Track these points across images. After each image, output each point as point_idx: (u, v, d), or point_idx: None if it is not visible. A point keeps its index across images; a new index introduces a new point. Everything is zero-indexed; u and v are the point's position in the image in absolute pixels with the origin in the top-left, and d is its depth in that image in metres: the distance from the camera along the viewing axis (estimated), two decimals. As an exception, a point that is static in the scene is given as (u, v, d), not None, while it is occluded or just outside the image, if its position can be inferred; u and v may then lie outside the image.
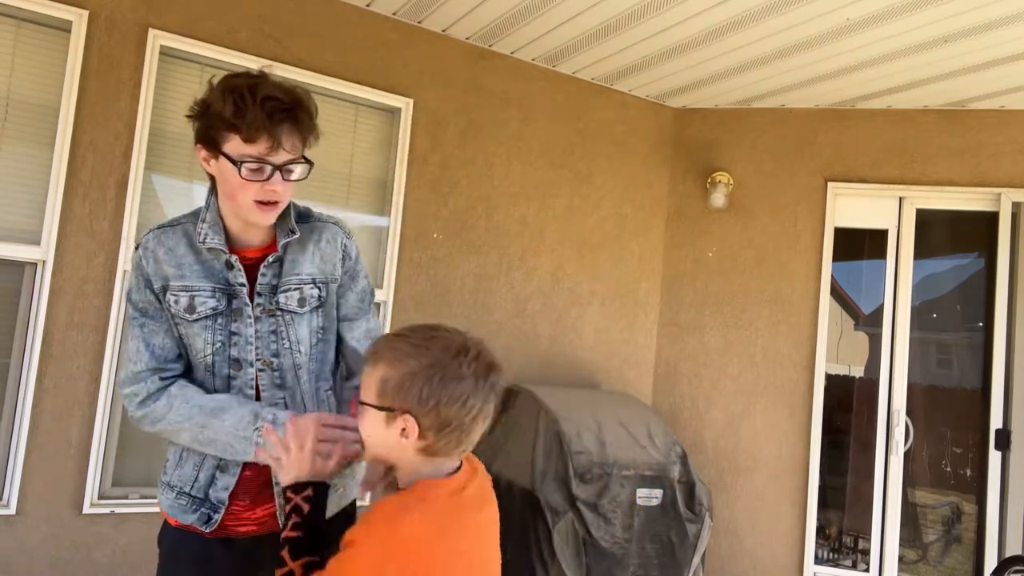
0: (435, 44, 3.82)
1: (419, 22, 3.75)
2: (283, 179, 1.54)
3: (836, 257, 4.21)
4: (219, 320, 1.62)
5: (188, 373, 1.68)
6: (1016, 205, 3.95)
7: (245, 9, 3.36)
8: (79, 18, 3.03)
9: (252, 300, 1.63)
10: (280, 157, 1.53)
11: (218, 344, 1.63)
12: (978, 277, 4.12)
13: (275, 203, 1.57)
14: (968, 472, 4.06)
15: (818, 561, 4.08)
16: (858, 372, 4.29)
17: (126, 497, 3.12)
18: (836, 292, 4.26)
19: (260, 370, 1.65)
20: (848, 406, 4.23)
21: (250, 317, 1.63)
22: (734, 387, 4.30)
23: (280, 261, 1.65)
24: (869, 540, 4.02)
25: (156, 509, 3.14)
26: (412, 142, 3.75)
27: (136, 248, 1.65)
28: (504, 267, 3.99)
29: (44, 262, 2.98)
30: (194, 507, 1.65)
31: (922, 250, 4.13)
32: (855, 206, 4.23)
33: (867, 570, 4.02)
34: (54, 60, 3.04)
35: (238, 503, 1.66)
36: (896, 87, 3.87)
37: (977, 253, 4.19)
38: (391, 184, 3.73)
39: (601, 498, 3.39)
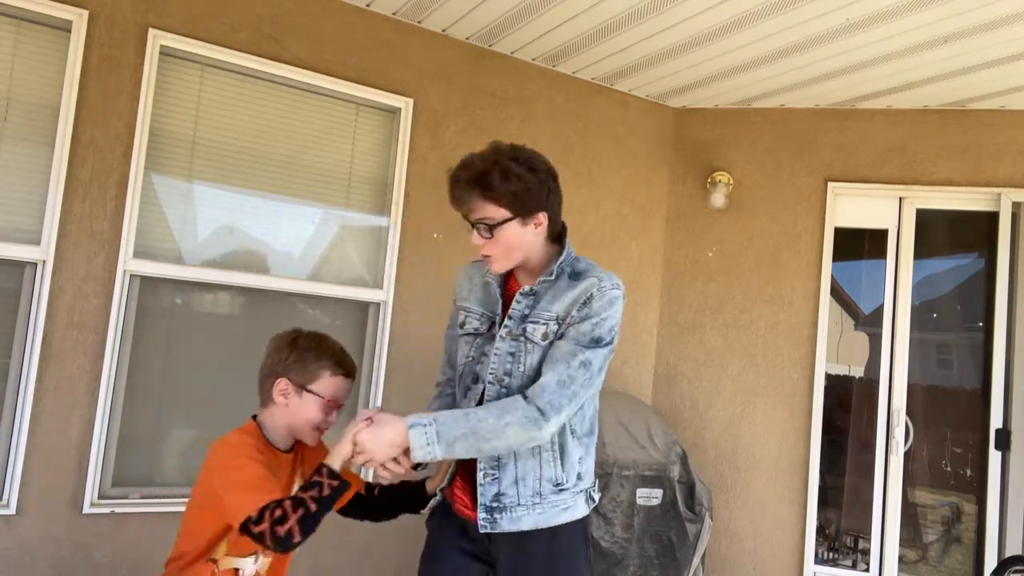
0: (435, 44, 3.82)
1: (419, 22, 3.75)
2: (480, 235, 1.85)
3: (836, 257, 4.21)
4: (478, 340, 1.96)
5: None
6: (1016, 205, 3.95)
7: (245, 9, 3.36)
8: (79, 18, 3.03)
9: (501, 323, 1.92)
10: (471, 217, 1.86)
11: (470, 358, 1.96)
12: (978, 277, 4.12)
13: (486, 255, 1.89)
14: (968, 472, 4.06)
15: (818, 561, 4.08)
16: (858, 372, 4.29)
17: (126, 497, 3.12)
18: (836, 292, 4.26)
19: (490, 383, 1.89)
20: (848, 406, 4.23)
21: (501, 339, 1.90)
22: (734, 387, 4.30)
23: (535, 296, 1.90)
24: (869, 540, 4.03)
25: (156, 509, 3.15)
26: (412, 142, 3.75)
27: None
28: (504, 267, 3.99)
29: (44, 262, 2.98)
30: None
31: (922, 250, 4.13)
32: (855, 206, 4.23)
33: (867, 570, 4.02)
34: (54, 60, 3.04)
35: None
36: (896, 87, 3.88)
37: (977, 253, 4.19)
38: (391, 184, 3.73)
39: (601, 498, 3.39)
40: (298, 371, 1.91)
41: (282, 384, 1.91)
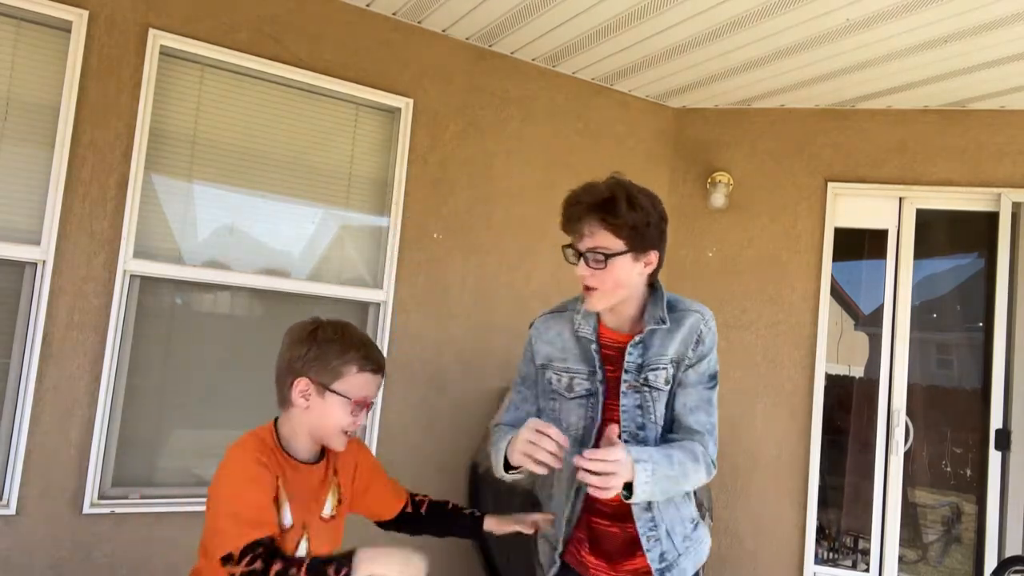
0: (435, 44, 3.82)
1: (419, 22, 3.75)
2: (589, 265, 1.75)
3: (836, 257, 4.21)
4: (591, 400, 1.85)
5: None
6: (1016, 205, 3.95)
7: (245, 9, 3.36)
8: (79, 18, 3.03)
9: (618, 378, 1.82)
10: (583, 245, 1.77)
11: (589, 420, 1.84)
12: (978, 277, 4.12)
13: (591, 288, 1.77)
14: (968, 472, 4.06)
15: (818, 561, 4.08)
16: (858, 372, 4.29)
17: (126, 497, 3.12)
18: (836, 292, 4.26)
19: (625, 441, 1.79)
20: (848, 406, 4.23)
21: (624, 395, 1.81)
22: (734, 387, 4.30)
23: (644, 344, 1.82)
24: (869, 540, 4.03)
25: (156, 509, 3.15)
26: (412, 142, 3.75)
27: (530, 326, 1.96)
28: (504, 267, 3.99)
29: (44, 262, 2.98)
30: None
31: (922, 250, 4.13)
32: (855, 206, 4.23)
33: (867, 570, 4.02)
34: (54, 60, 3.04)
35: None
36: (896, 87, 3.87)
37: (977, 253, 4.19)
38: (391, 184, 3.73)
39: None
40: (319, 369, 1.67)
41: (302, 384, 1.67)
